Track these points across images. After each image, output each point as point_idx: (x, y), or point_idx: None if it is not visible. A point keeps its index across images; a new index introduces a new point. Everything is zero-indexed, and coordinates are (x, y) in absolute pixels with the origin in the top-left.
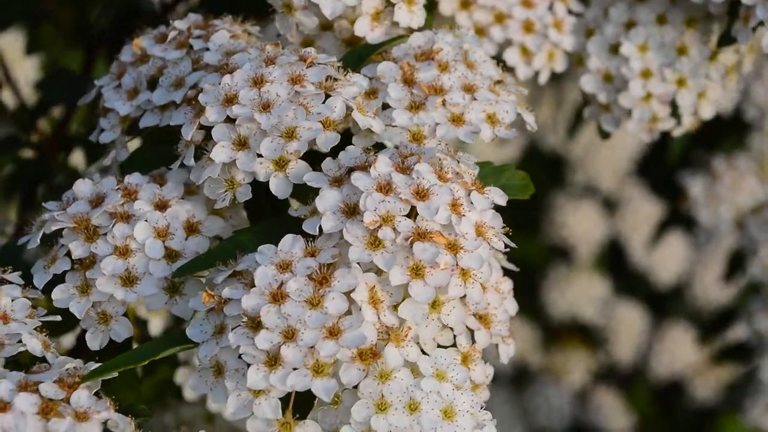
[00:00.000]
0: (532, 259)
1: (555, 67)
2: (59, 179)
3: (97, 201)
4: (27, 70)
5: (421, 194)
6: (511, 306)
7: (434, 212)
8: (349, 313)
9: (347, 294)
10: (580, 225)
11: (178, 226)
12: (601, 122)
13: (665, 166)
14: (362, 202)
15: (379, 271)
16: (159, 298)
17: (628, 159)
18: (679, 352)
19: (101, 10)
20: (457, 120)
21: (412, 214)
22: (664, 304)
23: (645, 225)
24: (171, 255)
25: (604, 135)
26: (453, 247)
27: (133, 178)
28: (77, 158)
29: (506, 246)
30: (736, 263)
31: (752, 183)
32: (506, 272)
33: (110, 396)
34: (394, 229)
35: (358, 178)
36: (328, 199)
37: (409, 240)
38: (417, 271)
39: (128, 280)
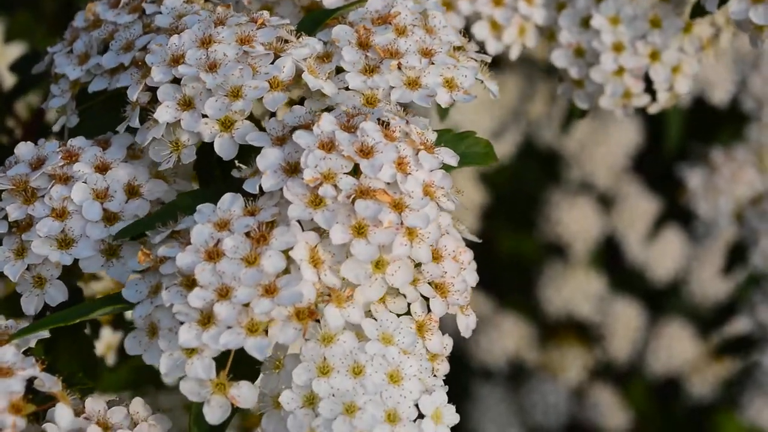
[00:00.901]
0: (527, 256)
1: (526, 42)
2: None
3: (37, 164)
4: (9, 59)
5: (365, 152)
6: (471, 277)
7: (378, 169)
8: (287, 272)
9: (286, 252)
10: (575, 221)
11: (119, 188)
12: (575, 99)
13: (662, 161)
14: (303, 159)
15: (322, 233)
16: (95, 261)
17: (624, 155)
18: (676, 349)
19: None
20: (412, 83)
21: (357, 174)
22: (661, 300)
23: (641, 221)
24: (109, 217)
25: (579, 114)
26: (398, 206)
27: (76, 141)
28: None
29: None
30: (736, 256)
31: (751, 174)
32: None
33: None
34: (336, 186)
35: (300, 136)
36: (268, 157)
37: (351, 197)
38: (359, 230)
39: (64, 242)
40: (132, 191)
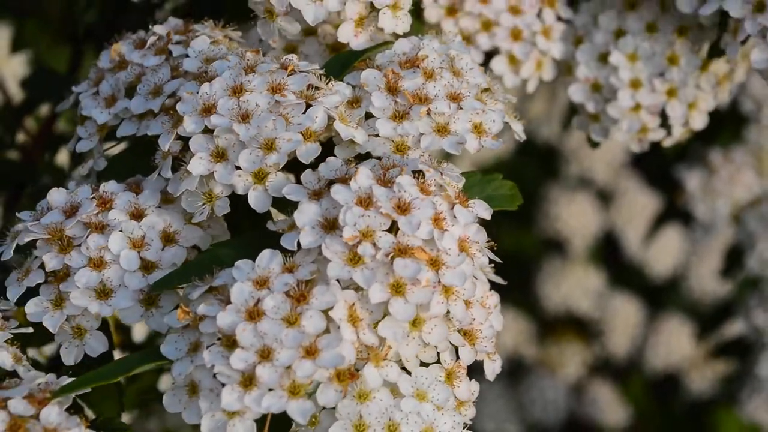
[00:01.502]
0: (526, 252)
1: (543, 76)
2: (45, 180)
3: (71, 211)
4: (15, 68)
5: (403, 208)
6: (497, 321)
7: (416, 227)
8: (327, 331)
9: (325, 312)
10: (574, 217)
11: (155, 236)
12: (590, 132)
13: (661, 157)
14: (342, 216)
15: (358, 288)
16: (134, 311)
17: (623, 151)
18: (675, 345)
19: (87, 3)
20: (442, 130)
21: (394, 228)
22: (660, 296)
23: (640, 217)
24: (147, 266)
25: (593, 144)
26: (435, 264)
27: (109, 186)
28: (64, 157)
29: (491, 261)
30: (734, 258)
31: (749, 176)
32: (493, 285)
33: (92, 407)
34: (374, 244)
35: (337, 192)
36: (306, 213)
37: (390, 256)
38: (397, 289)
39: (103, 292)
40: (168, 238)
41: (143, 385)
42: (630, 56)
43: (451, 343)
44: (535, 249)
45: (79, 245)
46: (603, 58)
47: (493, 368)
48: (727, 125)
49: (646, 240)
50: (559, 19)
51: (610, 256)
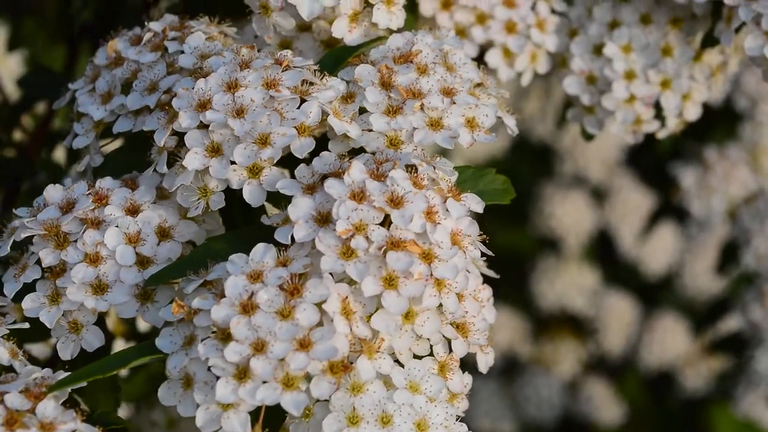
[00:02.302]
0: (520, 250)
1: (538, 69)
2: (42, 177)
3: (67, 207)
4: (11, 67)
5: (396, 202)
6: (490, 314)
7: (408, 220)
8: (320, 324)
9: (319, 305)
10: (569, 215)
11: (150, 231)
12: (585, 124)
13: (656, 155)
14: (335, 210)
15: (351, 282)
16: (130, 306)
17: (617, 149)
18: (670, 343)
19: (82, 2)
20: (435, 124)
21: (386, 222)
22: (655, 294)
23: (635, 215)
24: (142, 261)
25: (588, 137)
26: (427, 257)
27: (105, 183)
28: (61, 154)
29: (483, 254)
30: (729, 254)
31: (744, 173)
32: (486, 279)
33: (87, 401)
34: (367, 238)
35: (331, 186)
36: (300, 207)
37: (383, 249)
38: (390, 282)
39: (99, 287)
40: (163, 233)
41: (147, 375)
42: (624, 48)
43: (443, 336)
44: (530, 247)
45: (75, 241)
46: (597, 50)
47: (486, 361)
48: (721, 122)
49: (641, 237)
50: (554, 11)
51: (605, 254)
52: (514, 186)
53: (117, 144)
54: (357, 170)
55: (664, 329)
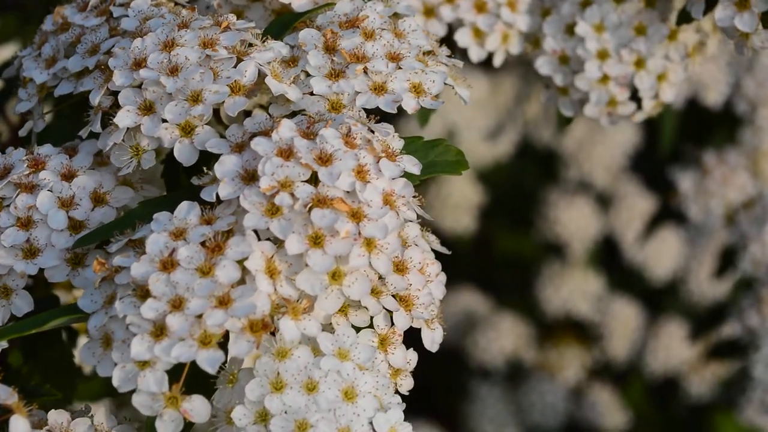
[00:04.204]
0: (525, 255)
1: (510, 49)
2: None
3: (3, 172)
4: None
5: (324, 159)
6: (438, 290)
7: (336, 177)
8: (242, 282)
9: (241, 262)
10: (573, 221)
11: (84, 196)
12: (559, 106)
13: (658, 161)
14: (260, 167)
15: (278, 242)
16: (61, 270)
17: (621, 154)
18: (674, 348)
19: None
20: (378, 89)
21: (315, 181)
22: (659, 300)
23: (639, 221)
24: (75, 226)
25: (565, 121)
26: (356, 215)
27: (44, 149)
28: None
29: (419, 216)
30: (727, 259)
31: (743, 178)
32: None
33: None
34: (293, 194)
35: (258, 143)
36: (226, 165)
37: (308, 206)
38: (316, 240)
39: (30, 251)
40: (98, 199)
41: None
42: (596, 27)
43: (384, 308)
44: (535, 252)
45: (9, 206)
46: (570, 29)
47: (432, 337)
48: (721, 126)
49: (641, 241)
50: None
51: (609, 259)
52: (519, 192)
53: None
54: (286, 128)
55: (669, 335)
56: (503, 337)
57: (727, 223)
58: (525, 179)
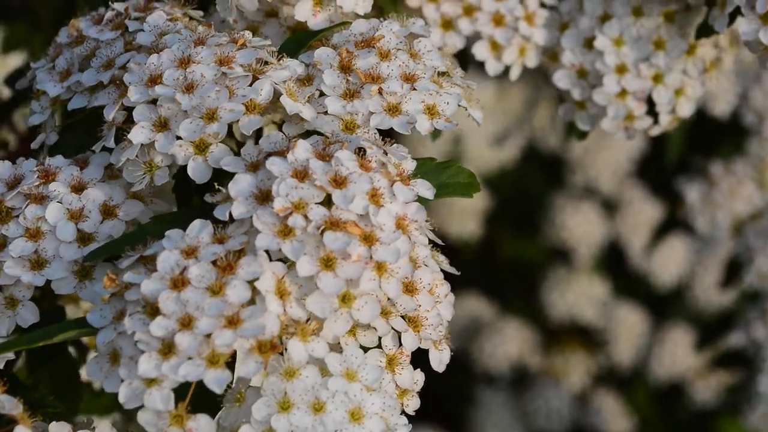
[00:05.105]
0: (531, 261)
1: (527, 63)
2: None
3: (13, 183)
4: (9, 69)
5: (339, 182)
6: (446, 311)
7: (350, 200)
8: (252, 303)
9: (252, 283)
10: (579, 226)
11: (94, 208)
12: (576, 121)
13: (664, 168)
14: (275, 187)
15: (290, 263)
16: (68, 282)
17: (628, 160)
18: (680, 355)
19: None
20: (393, 110)
21: (329, 203)
22: (665, 306)
23: (645, 227)
24: (83, 238)
25: (580, 135)
26: (368, 239)
27: (55, 161)
28: None
29: (431, 242)
30: (733, 271)
31: (750, 189)
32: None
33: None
34: (306, 216)
35: (273, 163)
36: (240, 184)
37: (321, 229)
38: (327, 263)
39: (37, 263)
40: (107, 212)
41: None
42: (616, 41)
43: (393, 329)
44: (540, 258)
45: (18, 216)
46: (588, 43)
47: (440, 358)
48: (728, 137)
49: (648, 249)
50: (543, 5)
51: (615, 265)
52: (524, 197)
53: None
54: (302, 149)
55: (674, 341)
56: (508, 343)
57: (734, 235)
58: (531, 185)
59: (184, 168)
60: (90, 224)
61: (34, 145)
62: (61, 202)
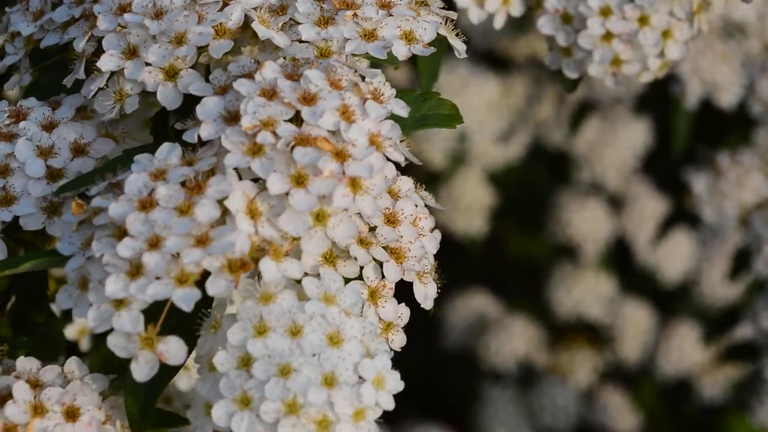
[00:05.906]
0: (536, 257)
1: (511, 10)
2: None
3: None
4: None
5: (308, 99)
6: (431, 244)
7: (319, 116)
8: (223, 223)
9: (221, 202)
10: (585, 222)
11: (64, 146)
12: (563, 68)
13: (671, 162)
14: (243, 106)
15: (261, 182)
16: (36, 218)
17: (633, 156)
18: (687, 351)
19: None
20: (368, 35)
21: (298, 121)
22: (671, 302)
23: (651, 223)
24: (53, 174)
25: (569, 85)
26: (340, 155)
27: (27, 102)
28: None
29: (406, 159)
30: (741, 261)
31: (757, 180)
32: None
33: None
34: (275, 133)
35: (241, 84)
36: (208, 106)
37: (291, 145)
38: (299, 180)
39: (5, 199)
40: (78, 149)
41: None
42: None
43: (374, 259)
44: (546, 254)
45: None
46: None
47: (425, 292)
48: (735, 128)
49: (654, 243)
50: None
51: (622, 261)
52: (530, 194)
53: None
54: (269, 69)
55: (681, 337)
56: (515, 340)
57: (741, 225)
58: (536, 181)
59: (162, 110)
60: (59, 161)
61: (7, 87)
62: (30, 140)
